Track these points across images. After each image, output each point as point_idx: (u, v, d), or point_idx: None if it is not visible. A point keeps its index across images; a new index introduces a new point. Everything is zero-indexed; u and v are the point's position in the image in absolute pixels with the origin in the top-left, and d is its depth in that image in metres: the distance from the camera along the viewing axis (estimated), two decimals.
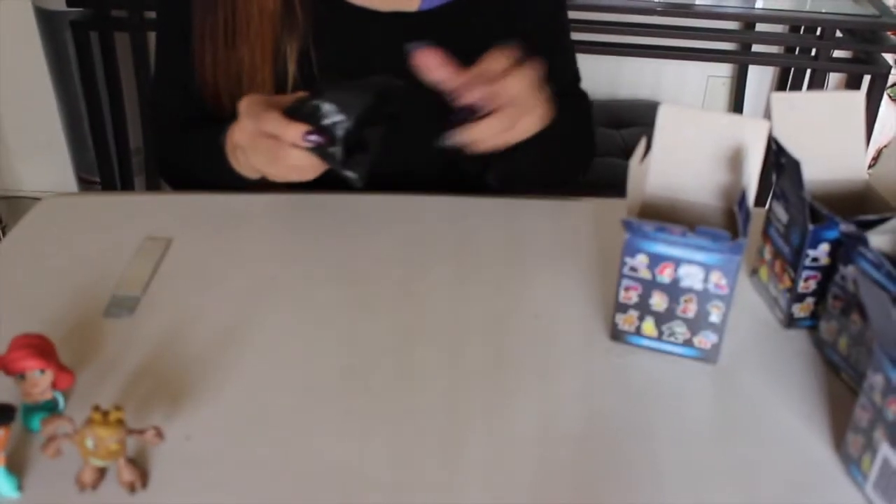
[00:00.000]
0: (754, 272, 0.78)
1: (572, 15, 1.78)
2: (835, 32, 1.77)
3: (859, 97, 0.73)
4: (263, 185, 0.84)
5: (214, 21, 0.87)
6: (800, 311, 0.71)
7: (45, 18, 1.92)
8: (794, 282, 0.70)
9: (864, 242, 0.61)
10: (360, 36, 0.91)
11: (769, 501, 0.57)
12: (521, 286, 0.77)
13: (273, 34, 0.87)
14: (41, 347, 0.59)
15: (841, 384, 0.67)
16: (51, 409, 0.61)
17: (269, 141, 0.73)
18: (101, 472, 0.57)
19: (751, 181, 0.68)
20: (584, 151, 1.02)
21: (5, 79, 2.08)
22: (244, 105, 0.75)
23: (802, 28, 1.93)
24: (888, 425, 0.54)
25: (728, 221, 0.70)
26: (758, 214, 0.86)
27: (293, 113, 0.73)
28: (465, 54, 0.94)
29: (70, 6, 1.80)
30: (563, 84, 1.01)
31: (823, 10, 1.80)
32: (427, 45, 0.72)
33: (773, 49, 2.06)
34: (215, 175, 0.92)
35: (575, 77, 1.03)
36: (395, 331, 0.72)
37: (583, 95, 1.04)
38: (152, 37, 1.80)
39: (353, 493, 0.57)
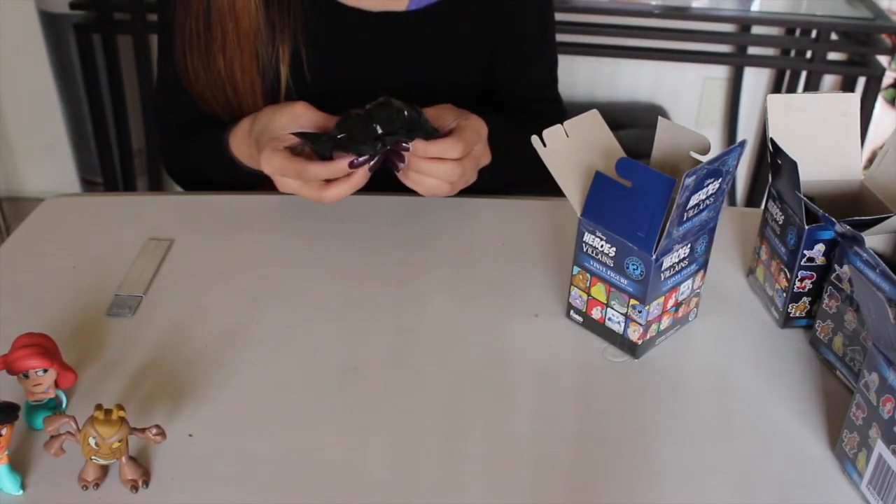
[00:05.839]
0: (751, 272, 0.78)
1: (570, 18, 1.79)
2: (830, 35, 1.78)
3: (854, 99, 0.74)
4: (265, 186, 0.84)
5: (190, 31, 0.87)
6: (795, 310, 0.72)
7: (49, 21, 1.92)
8: (790, 282, 0.70)
9: (860, 243, 0.61)
10: (351, 36, 0.91)
11: (765, 499, 0.58)
12: (521, 285, 0.78)
13: (251, 48, 0.87)
14: (44, 346, 0.59)
15: (836, 383, 0.67)
16: (53, 407, 0.62)
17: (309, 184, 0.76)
18: (104, 471, 0.57)
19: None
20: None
21: (9, 81, 2.08)
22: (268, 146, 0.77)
23: (798, 30, 1.93)
24: (883, 423, 0.54)
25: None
26: (754, 215, 0.87)
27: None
28: (454, 53, 0.94)
29: (73, 9, 1.80)
30: (540, 86, 1.02)
31: (818, 13, 1.81)
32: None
33: (769, 51, 2.07)
34: (219, 174, 0.92)
35: (553, 80, 1.03)
36: (395, 331, 0.72)
37: (557, 101, 1.04)
38: (154, 39, 1.80)
39: (352, 491, 0.57)
